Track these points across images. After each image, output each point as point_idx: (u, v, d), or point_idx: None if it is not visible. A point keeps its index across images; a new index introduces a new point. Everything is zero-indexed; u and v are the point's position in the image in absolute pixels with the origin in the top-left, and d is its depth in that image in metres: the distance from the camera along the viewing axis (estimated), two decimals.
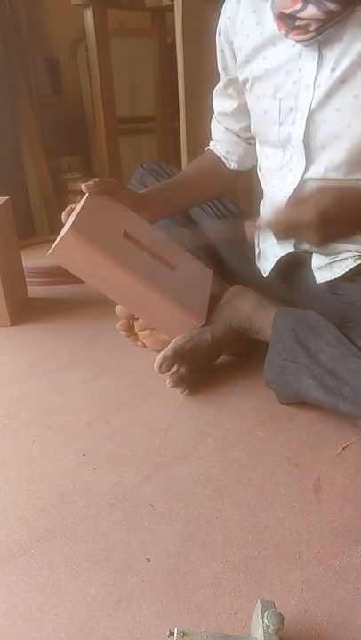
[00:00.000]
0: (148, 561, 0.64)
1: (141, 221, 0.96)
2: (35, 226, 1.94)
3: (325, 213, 0.72)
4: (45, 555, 0.65)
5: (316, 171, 0.85)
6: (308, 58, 0.79)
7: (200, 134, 1.47)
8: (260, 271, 1.05)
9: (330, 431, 0.85)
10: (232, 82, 0.97)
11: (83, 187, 0.91)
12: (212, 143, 1.12)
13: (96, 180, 0.92)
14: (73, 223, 0.82)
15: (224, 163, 1.09)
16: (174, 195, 1.04)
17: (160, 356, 0.92)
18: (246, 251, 1.09)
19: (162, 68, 1.98)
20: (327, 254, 0.94)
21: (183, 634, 0.51)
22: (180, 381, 0.93)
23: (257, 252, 1.07)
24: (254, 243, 1.08)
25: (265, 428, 0.86)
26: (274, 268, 1.00)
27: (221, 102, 1.04)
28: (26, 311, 1.30)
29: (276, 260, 0.99)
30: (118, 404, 0.94)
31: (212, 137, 1.10)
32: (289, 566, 0.63)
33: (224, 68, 0.96)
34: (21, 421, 0.91)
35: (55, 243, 0.86)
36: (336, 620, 0.57)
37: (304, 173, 0.86)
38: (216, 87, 1.03)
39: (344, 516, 0.70)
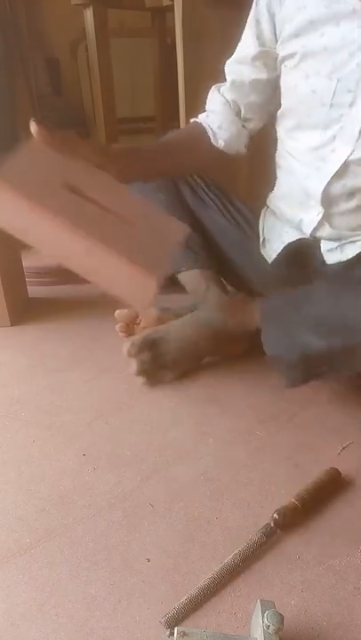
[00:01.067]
0: (148, 561, 0.64)
1: (100, 176, 0.82)
2: None
3: None
4: (45, 555, 0.65)
5: None
6: None
7: None
8: (262, 259, 1.04)
9: (330, 431, 0.86)
10: (265, 54, 0.90)
11: (32, 126, 0.76)
12: (202, 115, 1.02)
13: (52, 130, 0.78)
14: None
15: (210, 138, 0.99)
16: (149, 156, 0.93)
17: (128, 341, 0.96)
18: (247, 244, 1.08)
19: (162, 67, 1.98)
20: (337, 239, 0.94)
21: (183, 634, 0.51)
22: (141, 368, 0.97)
23: (261, 239, 1.06)
24: (258, 231, 1.07)
25: (265, 428, 0.86)
26: (280, 253, 1.00)
27: (241, 70, 0.94)
28: (26, 311, 1.30)
29: (283, 246, 0.99)
30: (118, 404, 0.94)
31: (207, 107, 1.01)
32: (289, 566, 0.63)
33: (258, 38, 0.89)
34: (21, 421, 0.91)
35: None
36: (336, 620, 0.57)
37: (350, 156, 0.84)
38: (235, 57, 0.95)
39: (344, 517, 0.70)
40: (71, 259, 0.77)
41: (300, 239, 0.97)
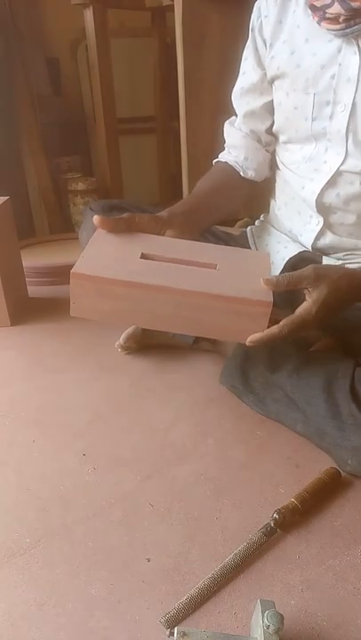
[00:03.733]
0: (148, 561, 0.64)
1: (164, 239, 0.85)
2: (35, 226, 1.94)
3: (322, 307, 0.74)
4: (45, 555, 0.65)
5: (355, 165, 0.84)
6: (350, 51, 0.78)
7: (200, 134, 1.47)
8: None
9: None
10: (266, 76, 0.93)
11: (95, 221, 0.81)
12: (223, 154, 1.05)
13: (112, 218, 0.83)
14: (75, 266, 0.72)
15: (239, 172, 1.01)
16: (195, 213, 0.94)
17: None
18: None
19: (162, 68, 1.97)
20: (340, 251, 0.94)
21: (183, 634, 0.51)
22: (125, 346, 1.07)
23: None
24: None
25: (265, 428, 0.86)
26: (282, 270, 0.97)
27: (249, 100, 0.97)
28: (26, 311, 1.30)
29: (285, 262, 0.97)
30: (118, 404, 0.94)
31: (228, 143, 1.04)
32: (289, 566, 0.63)
33: (259, 64, 0.93)
34: (21, 421, 0.91)
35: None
36: (336, 620, 0.57)
37: (341, 165, 0.85)
38: (239, 87, 0.98)
39: (344, 516, 0.70)
40: (177, 321, 0.76)
41: (300, 252, 0.96)
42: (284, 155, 0.96)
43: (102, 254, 0.76)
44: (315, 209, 0.91)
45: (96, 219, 0.81)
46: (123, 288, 0.72)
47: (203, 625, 0.56)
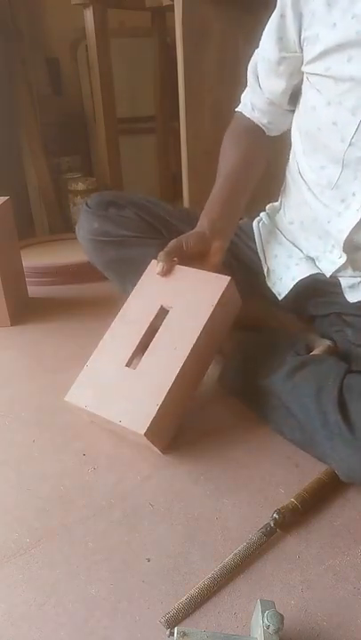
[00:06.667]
0: (148, 561, 0.64)
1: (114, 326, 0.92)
2: (35, 226, 1.94)
3: None
4: (45, 555, 0.65)
5: None
6: None
7: (200, 134, 1.47)
8: (270, 291, 0.97)
9: None
10: (287, 61, 0.80)
11: (161, 274, 0.86)
12: (247, 108, 0.96)
13: (168, 260, 0.86)
14: (136, 428, 0.76)
15: (264, 131, 0.96)
16: (229, 207, 0.90)
17: None
18: (254, 267, 1.00)
19: (162, 68, 1.97)
20: (355, 270, 0.88)
21: (183, 634, 0.51)
22: None
23: (265, 269, 0.97)
24: (261, 260, 0.99)
25: (265, 428, 0.86)
26: (291, 290, 0.93)
27: (271, 81, 0.86)
28: (26, 311, 1.30)
29: (294, 283, 0.92)
30: None
31: (252, 101, 0.94)
32: (289, 566, 0.63)
33: (281, 39, 0.78)
34: (21, 421, 0.91)
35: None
36: (336, 620, 0.57)
37: None
38: (261, 55, 0.85)
39: (344, 516, 0.70)
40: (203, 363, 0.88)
41: (312, 275, 0.90)
42: (304, 167, 0.86)
43: (113, 395, 0.81)
44: (341, 247, 0.84)
45: (161, 271, 0.86)
46: (171, 402, 0.78)
47: (203, 625, 0.56)
